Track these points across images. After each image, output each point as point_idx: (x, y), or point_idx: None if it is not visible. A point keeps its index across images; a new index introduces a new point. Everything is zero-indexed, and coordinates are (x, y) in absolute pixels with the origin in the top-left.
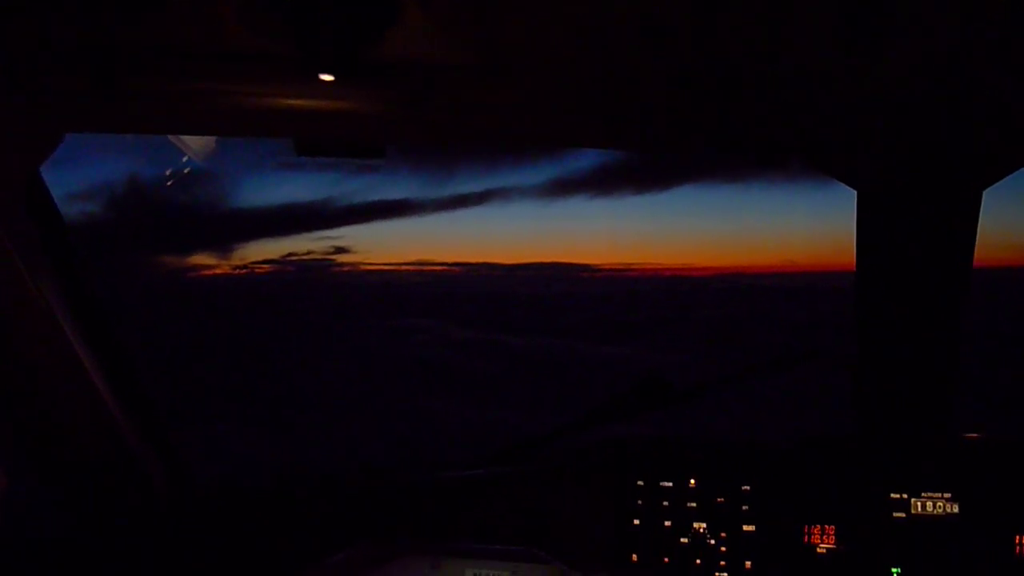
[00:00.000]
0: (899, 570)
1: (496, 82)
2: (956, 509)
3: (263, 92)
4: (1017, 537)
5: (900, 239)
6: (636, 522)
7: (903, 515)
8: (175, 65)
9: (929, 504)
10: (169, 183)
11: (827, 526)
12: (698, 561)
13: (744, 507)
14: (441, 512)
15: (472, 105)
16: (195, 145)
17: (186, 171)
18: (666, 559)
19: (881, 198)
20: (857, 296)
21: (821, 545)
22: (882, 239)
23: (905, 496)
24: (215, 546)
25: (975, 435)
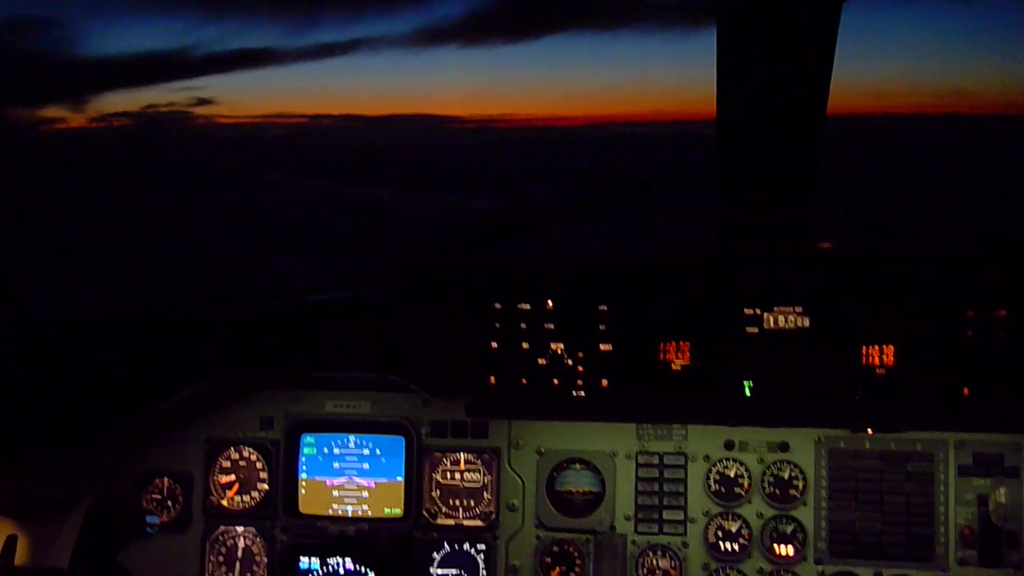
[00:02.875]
0: (751, 383)
1: None
2: (807, 323)
3: None
4: (864, 348)
5: (761, 49)
6: (494, 345)
7: (756, 330)
8: None
9: (781, 318)
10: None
11: (682, 343)
12: (556, 381)
13: (601, 327)
14: (296, 341)
15: None
16: None
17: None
18: (524, 381)
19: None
20: (718, 108)
21: (676, 362)
22: (743, 47)
23: (758, 311)
24: (58, 382)
25: (828, 245)
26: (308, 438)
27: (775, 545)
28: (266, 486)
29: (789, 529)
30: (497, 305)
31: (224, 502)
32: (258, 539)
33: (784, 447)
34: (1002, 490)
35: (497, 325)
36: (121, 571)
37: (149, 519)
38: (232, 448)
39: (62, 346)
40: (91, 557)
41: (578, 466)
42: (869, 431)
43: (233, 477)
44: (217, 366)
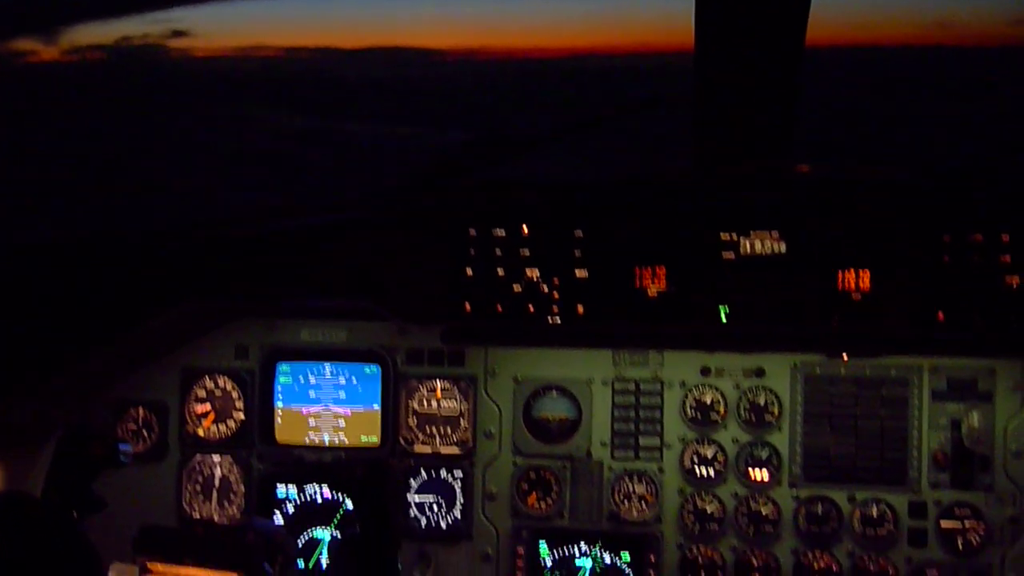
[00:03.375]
0: (727, 309)
1: None
2: (783, 248)
3: None
4: (840, 272)
5: None
6: (469, 272)
7: (732, 255)
8: None
9: (758, 243)
10: None
11: (658, 268)
12: (531, 308)
13: (576, 252)
14: (270, 268)
15: None
16: None
17: None
18: (499, 307)
19: None
20: (696, 32)
21: (652, 287)
22: None
23: (735, 236)
24: (29, 309)
25: (805, 168)
26: (284, 367)
27: (750, 470)
28: (242, 415)
29: (764, 454)
30: (472, 231)
31: (200, 431)
32: (235, 468)
33: (760, 373)
34: (975, 414)
35: (472, 251)
36: (95, 500)
37: (122, 447)
38: (207, 377)
39: (33, 272)
40: (64, 486)
41: (555, 393)
42: (844, 357)
43: (208, 406)
44: (190, 293)
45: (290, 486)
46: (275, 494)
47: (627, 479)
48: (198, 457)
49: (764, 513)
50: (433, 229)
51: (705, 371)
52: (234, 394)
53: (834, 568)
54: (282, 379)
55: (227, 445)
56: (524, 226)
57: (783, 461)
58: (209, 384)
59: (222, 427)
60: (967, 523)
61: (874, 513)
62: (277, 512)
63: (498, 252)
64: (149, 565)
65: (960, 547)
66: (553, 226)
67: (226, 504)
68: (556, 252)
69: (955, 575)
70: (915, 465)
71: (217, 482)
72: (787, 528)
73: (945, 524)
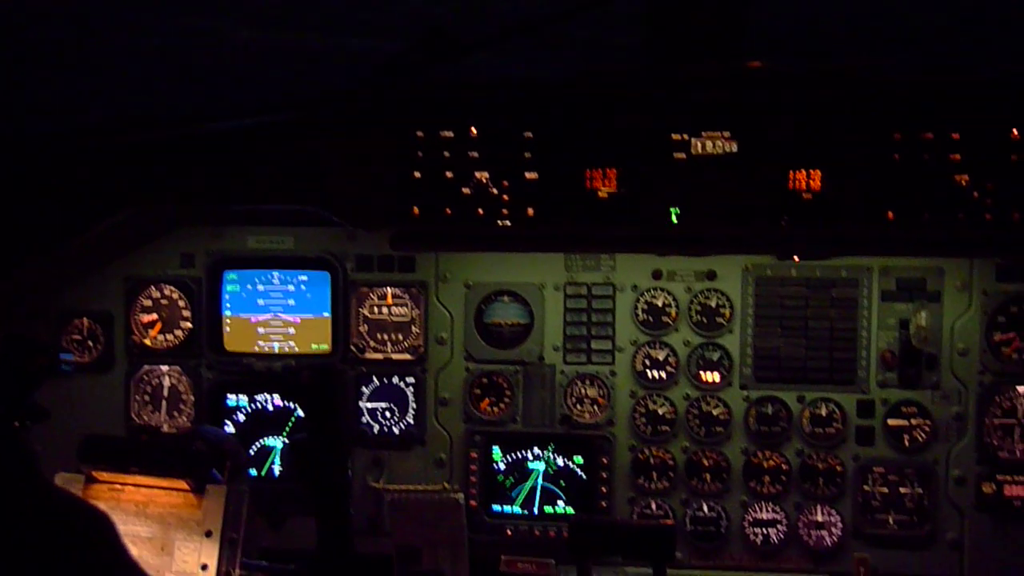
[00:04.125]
0: (678, 210)
1: None
2: (735, 148)
3: None
4: (791, 172)
5: None
6: (416, 175)
7: (683, 155)
8: None
9: (709, 144)
10: None
11: (609, 170)
12: (480, 211)
13: (526, 154)
14: (214, 172)
15: None
16: None
17: None
18: (448, 211)
19: None
20: None
21: (603, 189)
22: None
23: (686, 136)
24: None
25: (757, 63)
26: (231, 275)
27: (701, 372)
28: (189, 324)
29: (715, 356)
30: (419, 133)
31: (147, 341)
32: (183, 378)
33: (711, 276)
34: (923, 314)
35: (419, 154)
36: (37, 410)
37: (63, 356)
38: (152, 286)
39: None
40: (4, 396)
41: (506, 298)
42: (795, 258)
43: (155, 316)
44: (131, 199)
45: (240, 395)
46: (225, 403)
47: (579, 383)
48: (146, 367)
49: (715, 414)
50: (380, 131)
51: (657, 274)
52: (181, 303)
53: (783, 467)
54: (229, 287)
55: (175, 355)
56: (472, 128)
57: (734, 363)
58: (155, 293)
59: (169, 337)
60: (913, 421)
61: (823, 412)
62: (228, 421)
63: (446, 154)
64: (94, 474)
65: (906, 444)
66: (502, 127)
67: (176, 414)
68: (505, 154)
69: (901, 472)
70: (864, 365)
71: (166, 392)
72: (737, 428)
73: (892, 422)
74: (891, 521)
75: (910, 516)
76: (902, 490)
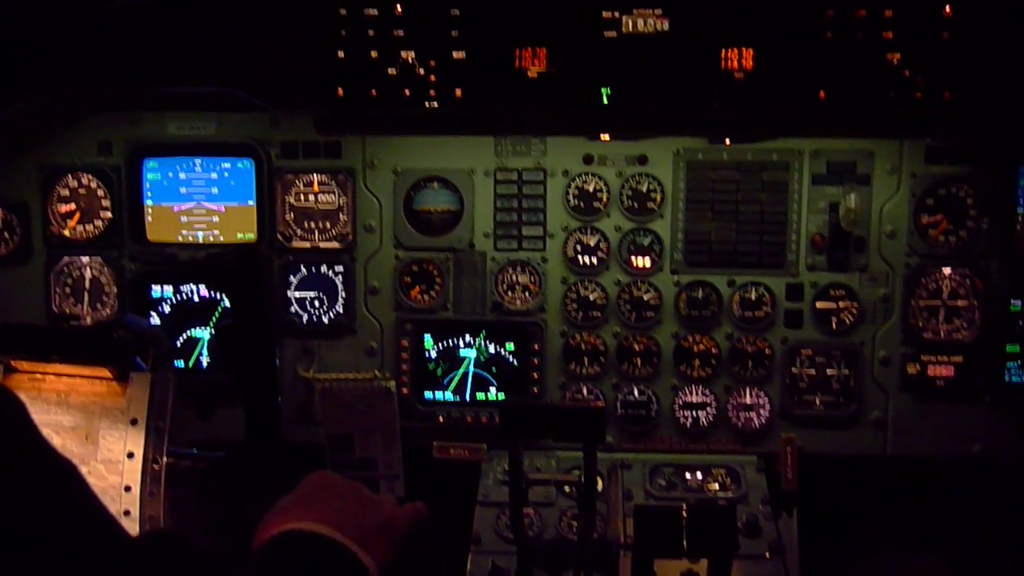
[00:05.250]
0: (609, 90)
1: None
2: (666, 26)
3: None
4: (723, 51)
5: None
6: (340, 55)
7: (614, 34)
8: None
9: (640, 21)
10: None
11: (538, 48)
12: (407, 92)
13: (453, 33)
14: (128, 53)
15: None
16: None
17: None
18: (373, 92)
19: None
20: None
21: (532, 68)
22: None
23: (617, 14)
24: None
25: None
26: (151, 163)
27: (632, 257)
28: (109, 214)
29: (646, 241)
30: (342, 11)
31: (66, 232)
32: (105, 269)
33: (643, 160)
34: (852, 196)
35: (343, 32)
36: None
37: None
38: (69, 175)
39: None
40: None
41: (436, 185)
42: (727, 142)
43: (73, 206)
44: (41, 82)
45: (165, 286)
46: (150, 294)
47: (510, 269)
48: (66, 259)
49: (646, 299)
50: (301, 9)
51: (588, 159)
52: (99, 192)
53: (713, 351)
54: (150, 176)
55: (96, 245)
56: (397, 5)
57: (665, 248)
58: (72, 183)
59: (89, 227)
60: (841, 303)
61: (752, 296)
62: (153, 313)
63: (370, 33)
64: (14, 363)
65: (834, 327)
66: (428, 4)
67: (99, 307)
68: (432, 33)
69: (828, 353)
70: (793, 249)
71: (88, 284)
72: (668, 313)
73: (820, 305)
74: (818, 402)
75: (836, 397)
76: (829, 372)
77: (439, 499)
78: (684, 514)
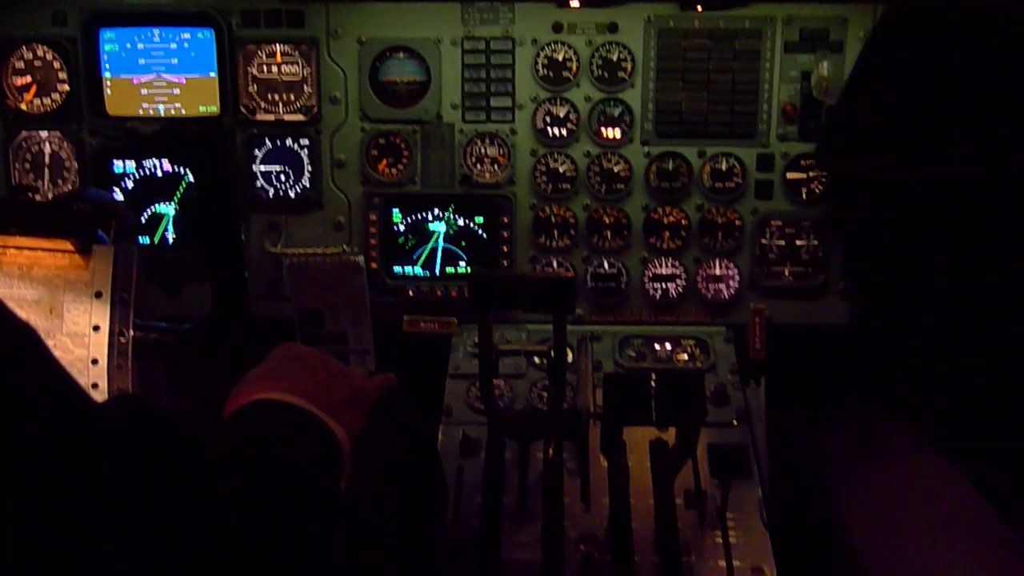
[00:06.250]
0: None
1: None
2: None
3: None
4: None
5: None
6: None
7: None
8: None
9: None
10: None
11: None
12: None
13: None
14: None
15: None
16: None
17: None
18: None
19: None
20: None
21: None
22: None
23: None
24: None
25: None
26: (108, 33)
27: (602, 128)
28: (67, 87)
29: (616, 112)
30: None
31: (23, 106)
32: (65, 143)
33: (613, 28)
34: (825, 64)
35: None
36: None
37: None
38: (24, 47)
39: None
40: None
41: (402, 55)
42: (699, 8)
43: (29, 79)
44: None
45: (127, 161)
46: (111, 169)
47: (479, 142)
48: (24, 133)
49: (616, 171)
50: None
51: (557, 27)
52: (56, 64)
53: (683, 222)
54: (107, 47)
55: (54, 119)
56: None
57: (635, 118)
58: (27, 54)
59: (46, 100)
60: (811, 174)
61: (723, 167)
62: (116, 188)
63: None
64: None
65: (804, 197)
66: None
67: (60, 182)
68: None
69: (797, 224)
70: (765, 119)
71: (47, 159)
72: (638, 185)
73: (791, 175)
74: (787, 273)
75: (805, 268)
76: (798, 242)
77: (410, 374)
78: (653, 382)
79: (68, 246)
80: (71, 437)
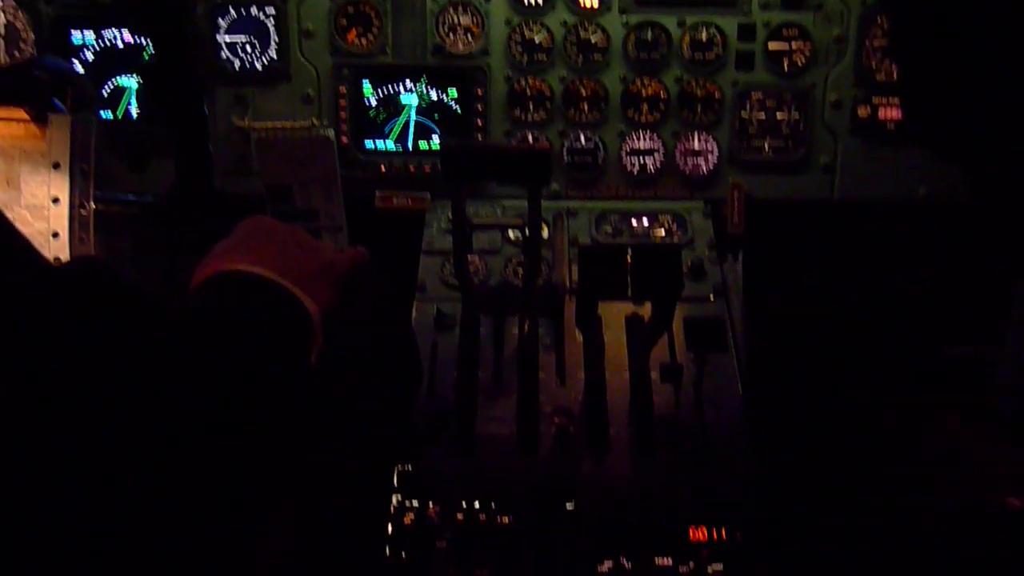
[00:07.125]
0: None
1: None
2: None
3: None
4: None
5: None
6: None
7: None
8: None
9: None
10: None
11: None
12: None
13: None
14: None
15: None
16: None
17: None
18: None
19: None
20: None
21: None
22: None
23: None
24: None
25: None
26: None
27: None
28: None
29: None
30: None
31: None
32: (20, 13)
33: None
34: None
35: None
36: None
37: None
38: None
39: None
40: None
41: None
42: None
43: None
44: None
45: (86, 31)
46: (70, 40)
47: (452, 10)
48: None
49: (593, 41)
50: None
51: None
52: None
53: (661, 95)
54: None
55: None
56: None
57: None
58: None
59: None
60: (794, 44)
61: (703, 37)
62: (75, 60)
63: None
64: None
65: (786, 68)
66: None
67: (16, 55)
68: None
69: (779, 96)
70: None
71: (2, 29)
72: (616, 56)
73: (773, 46)
74: (767, 147)
75: (786, 141)
76: (779, 115)
77: (383, 250)
78: (629, 256)
79: (23, 114)
80: (27, 297)
